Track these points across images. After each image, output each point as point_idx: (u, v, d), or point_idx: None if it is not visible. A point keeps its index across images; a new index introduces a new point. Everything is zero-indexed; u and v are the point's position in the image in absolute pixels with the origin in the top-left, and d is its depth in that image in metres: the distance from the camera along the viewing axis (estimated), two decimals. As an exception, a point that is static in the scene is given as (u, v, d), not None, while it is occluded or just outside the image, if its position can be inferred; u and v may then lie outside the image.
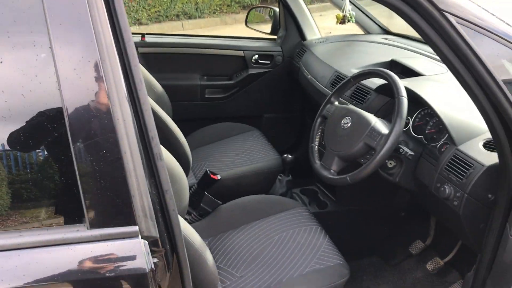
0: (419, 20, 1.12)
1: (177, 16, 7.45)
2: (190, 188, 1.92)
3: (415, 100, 1.59)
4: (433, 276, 1.95)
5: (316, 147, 1.75)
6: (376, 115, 1.63)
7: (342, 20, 2.18)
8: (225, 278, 1.52)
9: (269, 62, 2.66)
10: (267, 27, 2.80)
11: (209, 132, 2.44)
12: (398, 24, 2.88)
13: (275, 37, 2.71)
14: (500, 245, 1.33)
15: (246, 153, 2.23)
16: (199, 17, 7.60)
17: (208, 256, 1.29)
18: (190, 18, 7.53)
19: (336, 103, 1.76)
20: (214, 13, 7.72)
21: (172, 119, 2.25)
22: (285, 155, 2.09)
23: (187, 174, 1.95)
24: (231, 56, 2.62)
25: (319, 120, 1.78)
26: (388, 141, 1.43)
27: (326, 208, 2.11)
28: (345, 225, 2.11)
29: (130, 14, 7.06)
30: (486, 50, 1.14)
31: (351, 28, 2.78)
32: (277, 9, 2.67)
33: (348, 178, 1.50)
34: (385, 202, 2.06)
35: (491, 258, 1.36)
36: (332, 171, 1.59)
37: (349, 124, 1.58)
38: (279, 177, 2.13)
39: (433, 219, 1.98)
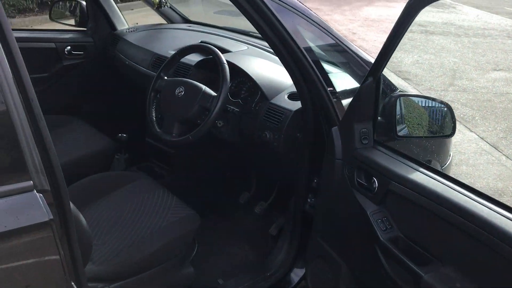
0: None
1: None
2: None
3: (231, 71, 1.93)
4: (261, 218, 2.35)
5: (154, 117, 1.95)
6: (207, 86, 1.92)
7: (159, 5, 2.40)
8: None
9: (82, 52, 2.71)
10: (72, 21, 2.84)
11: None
12: (194, 12, 3.24)
13: (85, 29, 2.77)
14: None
15: (76, 141, 2.25)
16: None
17: (81, 216, 1.36)
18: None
19: (166, 78, 1.98)
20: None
21: None
22: (120, 135, 2.22)
23: None
24: (43, 49, 2.58)
25: (152, 94, 1.98)
26: (219, 100, 1.74)
27: (163, 179, 2.32)
28: (181, 192, 2.34)
29: None
30: (290, 23, 1.54)
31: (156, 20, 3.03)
32: (83, 2, 2.73)
33: (190, 137, 1.76)
34: (213, 163, 2.38)
35: (306, 184, 1.78)
36: (174, 134, 1.82)
37: (182, 93, 1.84)
38: (116, 156, 2.25)
39: (254, 172, 2.38)
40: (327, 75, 1.65)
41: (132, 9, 6.84)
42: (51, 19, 2.82)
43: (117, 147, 2.28)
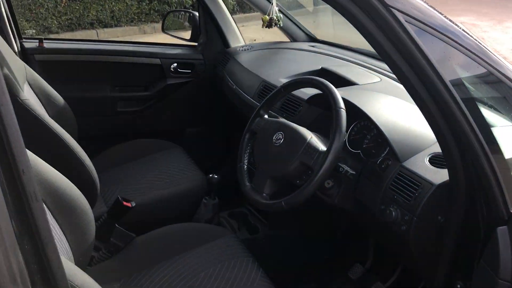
0: (360, 14, 0.94)
1: (91, 24, 6.97)
2: (99, 218, 1.65)
3: (351, 112, 1.43)
4: None
5: (246, 166, 1.53)
6: (309, 128, 1.45)
7: (269, 23, 1.98)
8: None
9: (189, 71, 2.42)
10: (187, 34, 2.56)
11: (122, 151, 2.13)
12: (325, 33, 2.77)
13: (195, 44, 2.48)
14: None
15: (166, 174, 1.97)
16: (116, 25, 7.17)
17: None
18: (105, 26, 7.07)
19: (266, 116, 1.55)
20: (132, 21, 7.32)
21: (78, 137, 1.95)
22: (211, 175, 1.85)
23: (93, 204, 1.65)
24: (146, 65, 2.34)
25: (247, 136, 1.56)
26: (327, 159, 1.25)
27: (257, 233, 1.90)
28: (279, 252, 1.90)
29: (39, 21, 6.49)
30: (434, 50, 0.99)
31: (276, 37, 2.62)
32: (196, 13, 2.44)
33: (283, 203, 1.30)
34: (321, 224, 1.89)
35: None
36: (264, 194, 1.38)
37: (281, 140, 1.38)
38: (204, 200, 1.88)
39: (372, 241, 1.84)
40: (490, 131, 1.06)
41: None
42: (163, 30, 2.58)
43: (207, 188, 1.91)
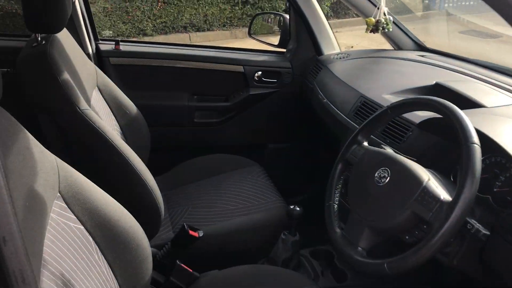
0: None
1: (185, 28, 7.02)
2: (163, 247, 1.44)
3: (482, 144, 1.07)
4: None
5: (336, 206, 1.22)
6: (421, 162, 1.11)
7: (375, 27, 1.64)
8: None
9: (275, 80, 2.15)
10: (276, 40, 2.30)
11: (197, 166, 1.93)
12: (437, 41, 2.36)
13: (284, 50, 2.20)
14: None
15: (241, 197, 1.72)
16: (208, 29, 7.16)
17: None
18: (198, 30, 7.09)
19: (366, 144, 1.23)
20: (224, 26, 7.28)
21: (150, 148, 1.76)
22: (292, 207, 1.55)
23: (154, 233, 1.45)
24: (228, 72, 2.11)
25: (340, 166, 1.25)
26: (453, 214, 0.90)
27: (345, 281, 1.57)
28: None
29: (134, 24, 6.65)
30: None
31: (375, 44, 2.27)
32: (287, 16, 2.16)
33: (386, 266, 0.97)
34: (430, 281, 1.51)
35: None
36: (359, 248, 1.06)
37: (387, 179, 1.05)
38: (282, 236, 1.59)
39: None
40: None
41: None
42: (249, 34, 2.34)
43: (287, 220, 1.62)
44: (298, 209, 1.55)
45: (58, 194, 0.92)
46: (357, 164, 1.18)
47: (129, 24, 6.62)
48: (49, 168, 0.92)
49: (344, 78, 1.79)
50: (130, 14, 6.59)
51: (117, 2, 6.47)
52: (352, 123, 1.56)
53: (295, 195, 2.09)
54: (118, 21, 6.52)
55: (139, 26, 6.70)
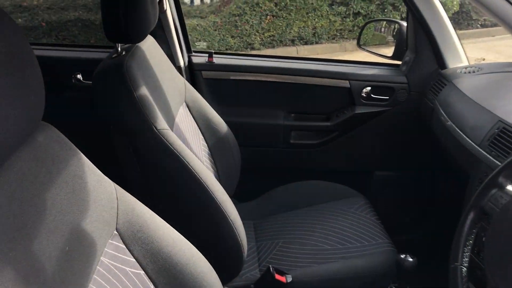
0: None
1: (292, 41, 6.92)
2: None
3: None
4: None
5: (465, 269, 0.91)
6: None
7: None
8: None
9: (387, 97, 1.86)
10: (389, 51, 2.00)
11: (290, 193, 1.74)
12: None
13: (399, 62, 1.90)
14: None
15: (340, 237, 1.47)
16: (317, 42, 6.98)
17: None
18: (306, 43, 6.94)
19: (510, 187, 0.91)
20: (333, 38, 7.04)
21: (240, 168, 1.60)
22: (403, 256, 1.27)
23: (234, 275, 1.25)
24: (331, 87, 1.87)
25: (471, 216, 0.94)
26: None
27: None
28: None
29: (243, 38, 6.69)
30: None
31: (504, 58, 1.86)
32: (404, 23, 1.86)
33: None
34: None
35: None
36: None
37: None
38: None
39: None
40: None
41: (493, 36, 5.46)
42: (359, 45, 2.07)
43: (396, 270, 1.33)
44: (411, 260, 1.26)
45: (115, 232, 0.77)
46: (499, 216, 0.87)
47: (238, 38, 6.69)
48: (106, 200, 0.77)
49: (475, 97, 1.45)
50: (239, 28, 6.65)
51: (226, 17, 6.57)
52: (487, 155, 1.22)
53: (403, 233, 1.79)
54: (227, 35, 6.62)
55: (247, 40, 6.73)
